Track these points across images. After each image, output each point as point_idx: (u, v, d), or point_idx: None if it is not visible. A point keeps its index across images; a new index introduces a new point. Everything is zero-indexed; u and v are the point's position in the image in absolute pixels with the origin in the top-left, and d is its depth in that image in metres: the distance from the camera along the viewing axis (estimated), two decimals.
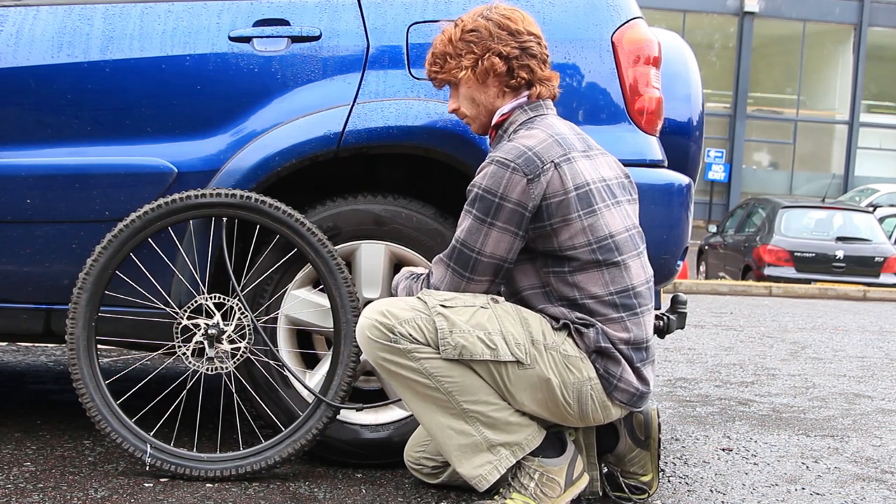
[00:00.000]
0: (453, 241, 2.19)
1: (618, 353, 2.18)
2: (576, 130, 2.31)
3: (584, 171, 2.20)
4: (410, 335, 2.11)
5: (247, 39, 2.59)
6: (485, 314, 2.14)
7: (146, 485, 2.45)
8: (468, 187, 2.18)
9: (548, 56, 2.31)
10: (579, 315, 2.19)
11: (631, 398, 2.22)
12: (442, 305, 2.13)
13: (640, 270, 2.25)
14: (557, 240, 2.17)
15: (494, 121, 2.31)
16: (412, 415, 2.64)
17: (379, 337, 2.12)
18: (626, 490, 2.43)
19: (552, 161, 2.15)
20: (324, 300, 2.60)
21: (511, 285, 2.26)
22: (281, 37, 2.59)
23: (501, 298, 2.22)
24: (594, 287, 2.18)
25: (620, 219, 2.24)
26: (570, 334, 2.18)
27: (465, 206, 2.18)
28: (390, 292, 2.49)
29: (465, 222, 2.17)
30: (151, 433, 2.52)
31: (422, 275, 2.28)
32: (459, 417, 2.16)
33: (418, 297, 2.16)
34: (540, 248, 2.18)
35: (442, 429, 2.17)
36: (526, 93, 2.30)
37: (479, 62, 2.24)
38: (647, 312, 2.26)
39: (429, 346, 2.11)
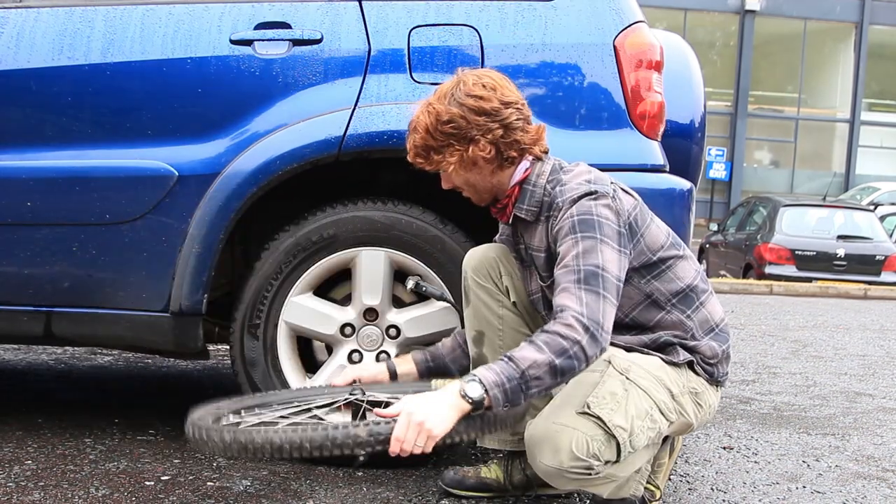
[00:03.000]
0: (572, 267, 2.04)
1: (726, 337, 2.28)
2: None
3: None
4: (606, 461, 2.08)
5: (248, 42, 2.59)
6: (637, 394, 2.11)
7: (147, 483, 2.45)
8: (558, 226, 2.11)
9: (529, 113, 2.21)
10: (690, 320, 2.23)
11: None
12: (612, 412, 2.06)
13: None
14: (649, 246, 2.19)
15: (512, 184, 2.22)
16: None
17: (581, 470, 2.07)
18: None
19: (611, 182, 2.18)
20: (324, 306, 2.61)
21: (616, 315, 2.18)
22: (282, 40, 2.59)
23: (629, 364, 2.14)
24: (687, 270, 2.25)
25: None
26: (691, 368, 2.22)
27: (565, 239, 2.08)
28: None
29: (575, 248, 2.06)
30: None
31: (554, 331, 1.97)
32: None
33: (589, 414, 2.04)
34: (637, 263, 2.18)
35: (601, 490, 2.23)
36: (529, 158, 2.22)
37: (464, 155, 2.15)
38: None
39: (618, 458, 2.10)
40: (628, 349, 2.19)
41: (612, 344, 2.19)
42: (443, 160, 2.17)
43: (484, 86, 2.14)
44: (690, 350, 2.23)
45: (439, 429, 1.86)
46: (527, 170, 2.22)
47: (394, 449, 1.86)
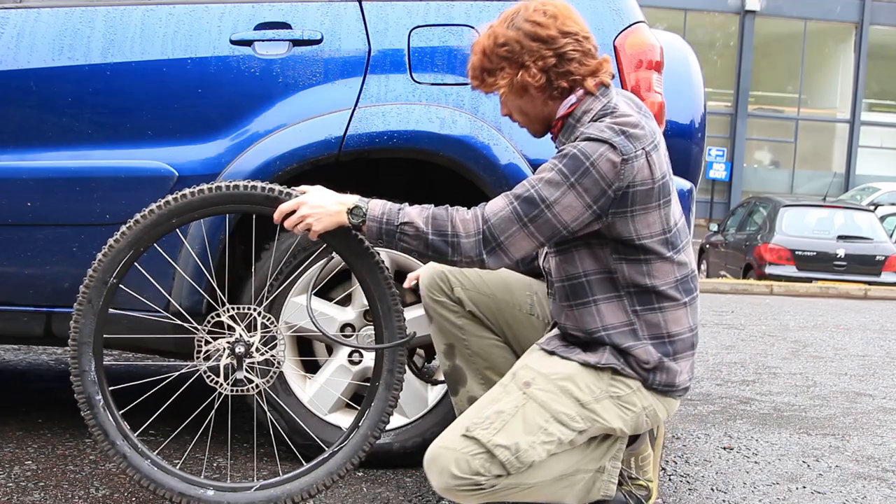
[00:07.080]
0: (527, 183, 2.06)
1: (670, 351, 2.19)
2: (644, 109, 2.24)
3: (664, 159, 2.17)
4: (497, 475, 2.08)
5: (248, 43, 2.60)
6: (531, 409, 2.10)
7: None
8: (564, 148, 2.08)
9: (592, 47, 2.15)
10: (636, 317, 2.17)
11: (685, 391, 2.26)
12: (495, 431, 2.07)
13: (693, 257, 2.28)
14: (636, 227, 2.12)
15: (557, 117, 2.19)
16: (412, 422, 2.67)
17: (470, 486, 2.08)
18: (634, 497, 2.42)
19: (643, 148, 2.09)
20: (324, 307, 2.60)
21: (569, 268, 2.17)
22: (282, 40, 2.60)
23: (534, 376, 2.14)
24: (665, 274, 2.17)
25: (677, 206, 2.23)
26: (616, 372, 2.17)
27: (552, 159, 2.08)
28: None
29: (547, 172, 2.06)
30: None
31: (454, 216, 2.09)
32: (559, 481, 2.19)
33: (468, 436, 2.07)
34: (615, 234, 2.12)
35: (548, 494, 2.20)
36: (579, 92, 2.17)
37: (514, 79, 2.13)
38: (698, 299, 2.29)
39: (507, 472, 2.09)
40: (551, 352, 2.17)
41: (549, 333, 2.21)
42: (495, 83, 2.16)
43: (545, 13, 2.13)
44: (623, 351, 2.16)
45: (317, 226, 2.13)
46: (573, 104, 2.17)
47: (276, 217, 2.16)
